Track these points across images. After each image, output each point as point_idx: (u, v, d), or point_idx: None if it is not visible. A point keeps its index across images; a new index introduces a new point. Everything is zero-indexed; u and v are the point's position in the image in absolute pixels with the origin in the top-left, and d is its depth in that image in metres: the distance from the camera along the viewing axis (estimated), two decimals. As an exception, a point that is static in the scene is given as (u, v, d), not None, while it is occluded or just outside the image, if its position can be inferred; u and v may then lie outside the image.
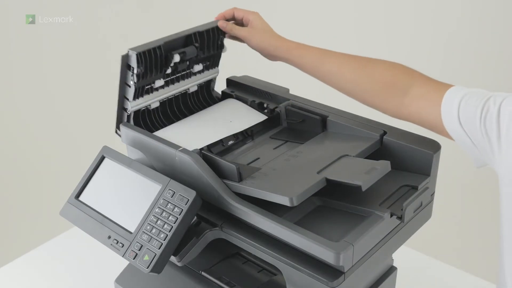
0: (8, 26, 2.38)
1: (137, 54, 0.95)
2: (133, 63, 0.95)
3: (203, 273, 1.01)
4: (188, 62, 1.05)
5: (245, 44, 1.09)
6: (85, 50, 2.40)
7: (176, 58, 1.00)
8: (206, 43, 1.06)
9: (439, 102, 0.83)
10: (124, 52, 0.96)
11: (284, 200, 0.79)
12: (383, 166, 0.84)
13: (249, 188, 0.84)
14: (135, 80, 0.97)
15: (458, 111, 0.80)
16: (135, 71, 0.96)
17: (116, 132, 1.04)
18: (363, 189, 0.79)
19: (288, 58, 1.01)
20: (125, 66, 0.96)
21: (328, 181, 0.82)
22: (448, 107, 0.82)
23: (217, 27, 1.06)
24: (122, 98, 1.00)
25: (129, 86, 0.98)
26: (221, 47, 1.09)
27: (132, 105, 1.00)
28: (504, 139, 0.76)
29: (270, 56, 1.04)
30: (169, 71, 1.02)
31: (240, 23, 1.08)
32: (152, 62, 0.98)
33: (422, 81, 0.88)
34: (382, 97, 0.91)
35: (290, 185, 0.83)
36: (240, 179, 0.86)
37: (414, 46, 2.22)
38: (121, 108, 1.01)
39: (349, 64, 0.94)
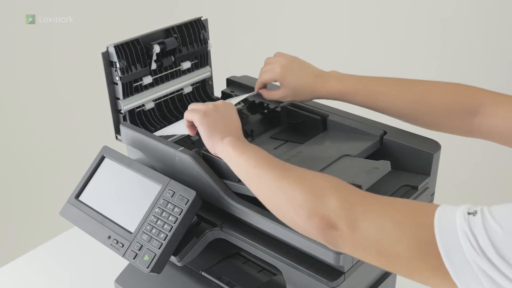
0: (8, 26, 2.38)
1: (115, 47, 0.97)
2: (114, 57, 0.97)
3: (203, 273, 1.01)
4: (173, 58, 1.06)
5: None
6: (85, 50, 2.39)
7: (157, 48, 1.01)
8: (187, 37, 1.07)
9: None
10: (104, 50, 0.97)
11: (284, 200, 0.79)
12: (383, 166, 0.84)
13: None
14: (120, 75, 0.98)
15: None
16: (117, 65, 0.97)
17: (116, 137, 1.04)
18: (363, 189, 0.79)
19: (338, 100, 0.96)
20: (108, 63, 0.98)
21: (328, 181, 0.82)
22: None
23: (195, 21, 1.07)
24: (114, 100, 1.01)
25: (116, 84, 1.00)
26: (204, 42, 1.09)
27: (125, 104, 1.01)
28: None
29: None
30: (154, 66, 1.03)
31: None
32: (133, 54, 0.99)
33: (490, 97, 0.84)
34: (448, 122, 0.87)
35: (290, 185, 0.83)
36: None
37: (408, 45, 2.22)
38: (116, 111, 1.02)
39: (405, 97, 0.89)
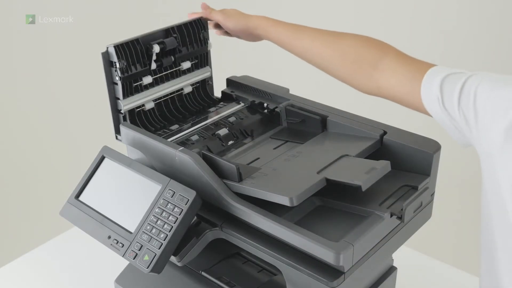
0: (8, 26, 2.38)
1: (115, 47, 0.97)
2: (114, 57, 0.98)
3: (203, 273, 1.01)
4: (173, 58, 1.06)
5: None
6: (85, 50, 2.40)
7: (156, 48, 1.02)
8: (187, 37, 1.07)
9: (416, 79, 0.81)
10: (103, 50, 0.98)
11: (284, 200, 0.79)
12: (383, 166, 0.84)
13: (249, 188, 0.84)
14: (120, 75, 0.98)
15: (439, 91, 0.78)
16: (117, 65, 0.98)
17: (116, 137, 1.04)
18: (363, 189, 0.79)
19: (267, 36, 1.02)
20: (108, 63, 0.99)
21: (328, 181, 0.82)
22: (429, 86, 0.80)
23: (195, 21, 1.08)
24: (114, 100, 1.01)
25: (116, 84, 1.00)
26: (204, 42, 1.09)
27: (125, 104, 1.01)
28: (481, 121, 0.74)
29: (251, 36, 1.06)
30: (154, 66, 1.03)
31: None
32: (133, 54, 1.00)
33: (394, 55, 0.87)
34: (350, 72, 0.91)
35: (290, 185, 0.83)
36: (240, 179, 0.86)
37: (412, 40, 2.22)
38: (116, 111, 1.02)
39: (321, 39, 0.94)
